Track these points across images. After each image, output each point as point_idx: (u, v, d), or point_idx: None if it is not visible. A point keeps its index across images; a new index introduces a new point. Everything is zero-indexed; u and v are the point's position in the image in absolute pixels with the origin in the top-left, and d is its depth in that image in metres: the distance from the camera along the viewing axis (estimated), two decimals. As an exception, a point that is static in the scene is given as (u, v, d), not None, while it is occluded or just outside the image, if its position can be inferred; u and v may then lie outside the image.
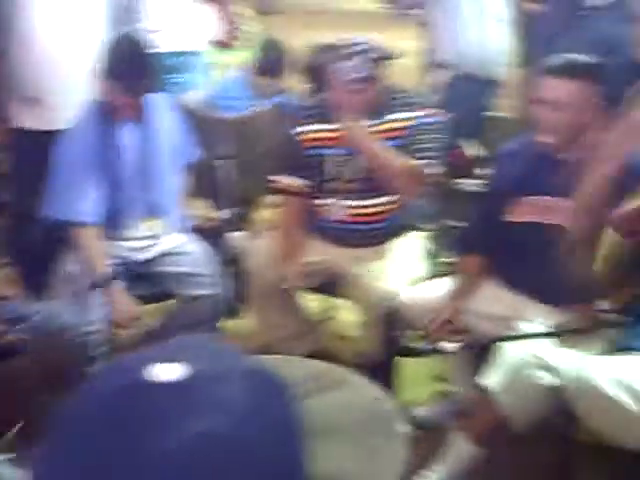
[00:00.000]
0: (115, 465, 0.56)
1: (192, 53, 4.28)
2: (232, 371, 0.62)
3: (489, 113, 4.18)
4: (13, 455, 2.50)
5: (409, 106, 2.73)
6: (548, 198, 2.44)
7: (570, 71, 2.33)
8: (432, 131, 2.74)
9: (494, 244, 2.57)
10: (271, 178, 2.97)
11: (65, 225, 2.77)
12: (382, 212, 2.84)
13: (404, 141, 2.72)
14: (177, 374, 0.59)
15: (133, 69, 2.59)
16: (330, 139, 2.79)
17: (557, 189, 2.40)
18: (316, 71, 3.74)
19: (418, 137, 2.72)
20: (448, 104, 4.12)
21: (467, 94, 4.24)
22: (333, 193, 2.83)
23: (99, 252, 2.68)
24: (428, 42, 4.67)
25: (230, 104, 3.83)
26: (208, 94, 4.10)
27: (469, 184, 3.79)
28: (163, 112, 2.87)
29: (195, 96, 4.13)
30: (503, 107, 4.53)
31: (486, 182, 2.71)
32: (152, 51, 2.73)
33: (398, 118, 2.73)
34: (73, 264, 2.73)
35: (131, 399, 0.58)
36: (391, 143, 2.72)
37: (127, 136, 2.75)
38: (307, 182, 2.88)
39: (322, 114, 2.81)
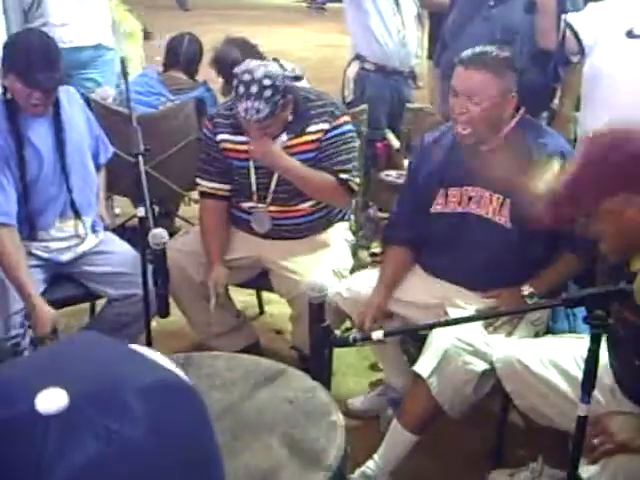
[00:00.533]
0: None
1: (101, 47, 4.21)
2: (119, 390, 0.57)
3: (408, 105, 4.21)
4: None
5: (323, 116, 2.70)
6: (469, 188, 2.47)
7: (483, 62, 2.34)
8: (347, 139, 2.74)
9: (418, 235, 2.59)
10: (196, 181, 2.91)
11: None
12: (307, 211, 2.83)
13: (319, 152, 2.70)
14: (56, 403, 0.54)
15: (34, 62, 2.51)
16: (247, 152, 2.72)
17: (477, 179, 2.44)
18: (226, 66, 3.72)
19: (334, 148, 2.71)
20: (366, 97, 4.18)
21: (384, 86, 4.28)
22: (256, 202, 2.80)
23: (16, 255, 2.58)
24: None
25: (143, 100, 3.76)
26: (120, 90, 4.02)
27: (394, 175, 3.82)
28: (73, 108, 2.80)
29: (106, 92, 4.04)
30: (422, 98, 4.60)
31: (407, 173, 2.73)
32: (56, 45, 2.65)
33: (314, 130, 2.70)
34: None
35: (22, 433, 0.53)
36: (307, 156, 2.70)
37: (37, 132, 2.67)
38: (228, 187, 2.84)
39: (237, 125, 2.71)
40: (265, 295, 3.49)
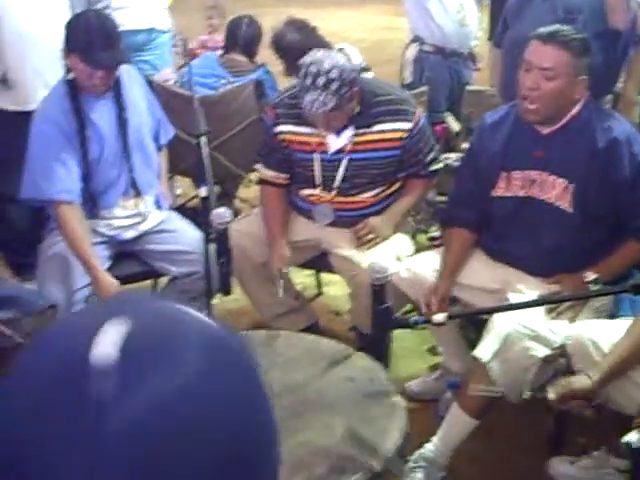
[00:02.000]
0: (61, 442, 0.53)
1: (155, 31, 4.25)
2: (179, 330, 0.57)
3: (468, 87, 4.16)
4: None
5: (400, 115, 2.68)
6: (532, 172, 2.44)
7: (562, 40, 2.31)
8: (425, 130, 2.75)
9: (478, 216, 2.57)
10: (255, 167, 2.93)
11: (45, 205, 2.73)
12: (370, 202, 2.83)
13: (405, 151, 2.71)
14: (119, 337, 0.54)
15: (94, 41, 2.54)
16: (315, 144, 2.72)
17: (540, 163, 2.41)
18: (285, 48, 3.73)
19: (420, 143, 2.72)
20: (425, 79, 4.14)
21: (444, 68, 4.23)
22: (320, 191, 2.80)
23: (81, 231, 2.65)
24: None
25: (203, 82, 3.79)
26: (181, 72, 4.06)
27: (453, 158, 3.78)
28: (134, 88, 2.83)
29: (167, 75, 4.09)
30: (482, 80, 4.54)
31: (466, 154, 2.71)
32: (115, 24, 2.68)
33: (390, 129, 2.68)
34: (57, 242, 2.69)
35: (80, 355, 0.54)
36: (386, 154, 2.70)
37: (99, 112, 2.71)
38: (287, 175, 2.85)
39: (304, 116, 2.67)
40: (323, 276, 3.50)
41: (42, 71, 3.04)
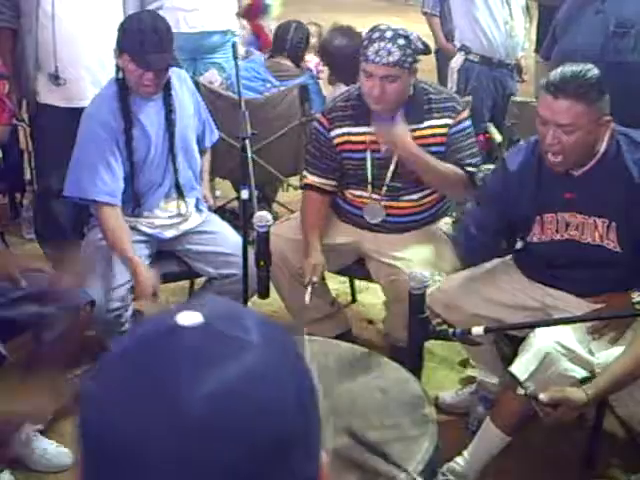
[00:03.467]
0: (150, 400, 0.59)
1: (229, 32, 4.28)
2: (246, 317, 0.66)
3: (513, 98, 4.14)
4: (42, 426, 2.53)
5: (446, 111, 2.68)
6: (566, 214, 2.37)
7: (574, 91, 2.15)
8: (469, 134, 2.72)
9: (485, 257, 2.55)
10: (302, 174, 2.94)
11: (88, 203, 2.77)
12: (415, 208, 2.82)
13: (444, 147, 2.69)
14: (193, 319, 0.63)
15: (146, 43, 2.55)
16: (366, 143, 2.73)
17: (575, 205, 2.34)
18: (331, 54, 3.74)
19: (459, 143, 2.69)
20: (470, 89, 4.13)
21: (489, 79, 4.22)
22: (369, 193, 2.80)
23: (121, 230, 2.67)
24: (445, 27, 4.67)
25: (249, 85, 3.81)
26: (227, 75, 4.09)
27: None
28: (183, 91, 2.84)
29: (213, 76, 4.12)
30: (527, 92, 4.51)
31: (487, 197, 2.61)
32: (168, 26, 2.68)
33: (437, 124, 2.68)
34: (98, 240, 2.73)
35: (164, 340, 0.62)
36: (436, 149, 2.69)
37: (147, 114, 2.73)
38: (334, 182, 2.86)
39: (358, 116, 2.71)
40: (357, 284, 3.50)
41: (93, 69, 3.08)
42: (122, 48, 2.62)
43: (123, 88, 2.68)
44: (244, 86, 3.62)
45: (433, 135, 2.69)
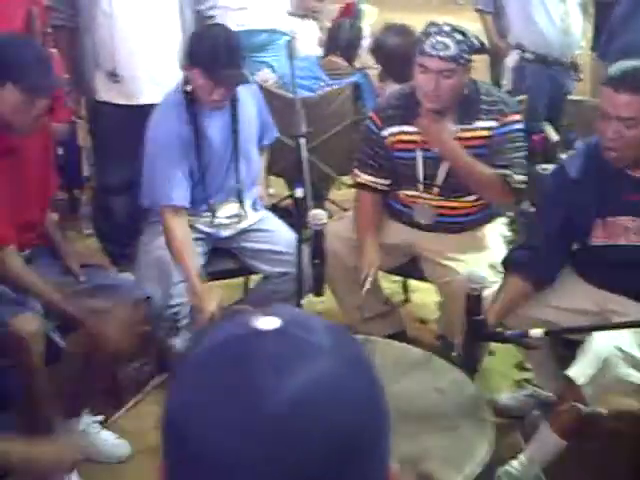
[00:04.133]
0: (231, 400, 0.61)
1: (276, 32, 4.29)
2: (315, 323, 0.67)
3: (569, 97, 4.08)
4: (99, 417, 2.58)
5: (493, 114, 2.64)
6: (625, 218, 2.33)
7: (634, 84, 2.13)
8: (513, 138, 2.66)
9: (554, 273, 2.47)
10: (354, 172, 2.92)
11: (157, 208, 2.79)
12: (469, 209, 2.80)
13: (488, 149, 2.65)
14: (274, 324, 0.65)
15: (219, 58, 2.55)
16: (417, 142, 2.71)
17: (633, 208, 2.30)
18: (384, 53, 3.72)
19: (499, 145, 2.64)
20: (525, 88, 4.07)
21: (545, 77, 4.16)
22: (421, 193, 2.78)
23: (184, 235, 2.70)
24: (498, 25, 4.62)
25: (302, 83, 3.81)
26: (280, 73, 4.10)
27: (549, 170, 3.70)
28: (248, 96, 2.84)
29: (266, 75, 4.14)
30: (583, 91, 4.44)
31: (544, 204, 2.58)
32: (239, 40, 2.68)
33: (483, 127, 2.64)
34: (158, 238, 2.76)
35: (245, 344, 0.64)
36: (478, 151, 2.65)
37: (213, 124, 2.75)
38: (387, 181, 2.84)
39: (409, 115, 2.69)
40: (410, 283, 3.48)
41: (150, 66, 3.11)
42: (193, 61, 2.62)
43: (190, 99, 2.69)
44: (297, 85, 3.65)
45: (478, 137, 2.66)
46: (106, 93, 3.16)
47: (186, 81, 2.69)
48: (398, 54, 3.54)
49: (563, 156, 3.32)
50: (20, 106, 2.21)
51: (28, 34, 2.90)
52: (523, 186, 2.68)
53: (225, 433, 0.60)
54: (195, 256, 2.72)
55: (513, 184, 2.64)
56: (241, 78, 2.65)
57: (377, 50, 3.83)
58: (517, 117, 2.70)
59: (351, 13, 4.65)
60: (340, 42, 4.04)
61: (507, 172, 2.62)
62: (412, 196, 2.82)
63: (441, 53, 2.50)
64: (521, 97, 3.84)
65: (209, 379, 0.63)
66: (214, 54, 2.56)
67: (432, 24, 2.58)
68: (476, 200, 2.78)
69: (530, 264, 2.44)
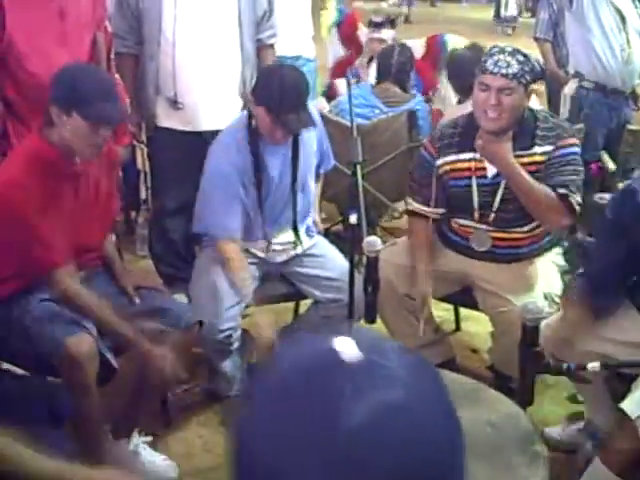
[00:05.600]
0: (310, 431, 0.61)
1: (301, 58, 4.36)
2: (393, 351, 0.68)
3: (628, 126, 4.02)
4: (149, 438, 2.60)
5: (550, 139, 2.63)
6: None
7: None
8: (570, 160, 2.63)
9: (614, 299, 2.42)
10: (407, 200, 2.93)
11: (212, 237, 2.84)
12: (523, 240, 2.77)
13: (542, 173, 2.62)
14: (354, 351, 0.65)
15: (286, 102, 2.56)
16: (471, 169, 2.71)
17: None
18: (457, 68, 3.72)
19: (555, 167, 2.62)
20: (583, 116, 4.03)
21: (604, 106, 4.11)
22: (476, 222, 2.77)
23: (240, 263, 2.74)
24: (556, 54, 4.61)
25: (357, 112, 3.82)
26: (336, 102, 4.12)
27: (607, 199, 3.64)
28: (310, 131, 2.84)
29: (322, 103, 4.17)
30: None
31: (613, 229, 2.54)
32: (307, 82, 2.71)
33: (540, 152, 2.63)
34: (212, 261, 2.79)
35: (323, 371, 0.64)
36: (533, 176, 2.61)
37: (274, 157, 2.78)
38: (441, 210, 2.84)
39: (465, 143, 2.70)
40: (462, 312, 3.45)
41: (210, 96, 3.15)
42: (260, 101, 2.63)
43: (253, 130, 2.72)
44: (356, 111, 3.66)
45: (535, 162, 2.64)
46: (166, 119, 3.22)
47: (250, 115, 2.72)
48: (467, 66, 3.52)
49: (619, 185, 3.27)
50: (85, 134, 2.27)
51: (95, 63, 2.98)
52: (579, 209, 2.65)
53: (301, 465, 0.60)
54: (250, 280, 2.74)
55: (573, 204, 2.61)
56: (305, 123, 2.65)
57: (450, 63, 3.84)
58: (574, 141, 2.68)
59: (436, 46, 4.66)
60: (391, 68, 4.05)
61: (565, 191, 2.59)
62: (467, 226, 2.81)
63: (503, 71, 2.51)
64: (578, 126, 3.81)
65: (286, 410, 0.64)
66: (281, 97, 2.57)
67: (495, 46, 2.61)
68: (530, 231, 2.75)
69: (591, 293, 2.40)
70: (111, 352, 2.34)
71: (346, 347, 0.65)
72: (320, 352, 0.66)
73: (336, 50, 5.09)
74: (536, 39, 4.80)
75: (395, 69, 4.06)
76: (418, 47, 4.70)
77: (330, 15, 5.16)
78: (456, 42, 4.79)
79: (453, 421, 0.66)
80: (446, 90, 4.43)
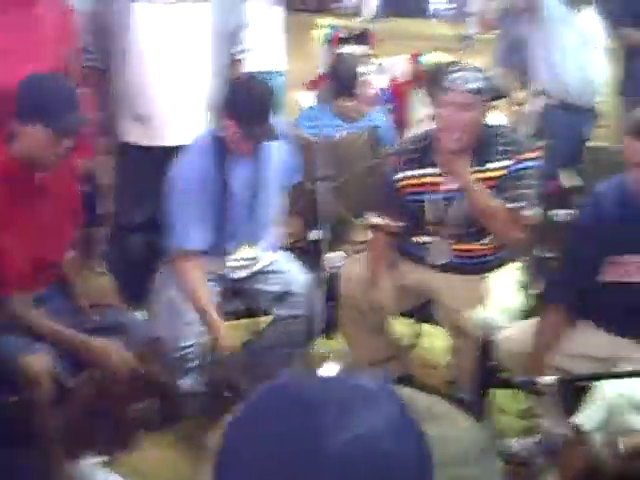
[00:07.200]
0: (290, 463, 0.63)
1: (273, 72, 4.36)
2: (365, 384, 0.71)
3: (589, 143, 4.09)
4: (105, 458, 2.58)
5: (508, 154, 2.69)
6: None
7: None
8: (524, 175, 2.69)
9: (584, 300, 2.48)
10: (366, 215, 2.97)
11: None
12: (483, 251, 2.81)
13: (498, 188, 2.68)
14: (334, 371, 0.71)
15: (253, 114, 2.60)
16: (432, 184, 2.76)
17: None
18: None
19: (514, 182, 2.67)
20: (546, 133, 4.09)
21: (565, 123, 4.18)
22: (433, 236, 2.81)
23: (199, 278, 2.74)
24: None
25: (318, 132, 3.83)
26: (296, 117, 4.14)
27: (564, 214, 3.70)
28: (276, 144, 2.86)
29: (282, 119, 4.17)
30: (604, 136, 4.45)
31: (575, 232, 2.61)
32: (272, 93, 2.73)
33: (497, 167, 2.68)
34: (171, 278, 2.78)
35: (299, 411, 0.66)
36: (490, 191, 2.68)
37: (239, 170, 2.78)
38: (400, 223, 2.87)
39: (424, 158, 2.76)
40: (421, 327, 3.46)
41: (177, 111, 3.13)
42: (229, 113, 2.65)
43: (221, 145, 2.73)
44: (315, 131, 3.67)
45: (492, 178, 2.69)
46: (132, 134, 3.20)
47: (217, 128, 2.73)
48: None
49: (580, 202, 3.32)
50: (47, 144, 2.26)
51: (59, 74, 2.97)
52: (533, 222, 2.69)
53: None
54: (210, 294, 2.74)
55: (525, 218, 2.66)
56: (271, 135, 2.68)
57: (428, 74, 3.90)
58: (531, 155, 2.73)
59: (415, 64, 4.69)
60: (348, 83, 4.03)
61: (518, 205, 2.64)
62: (425, 238, 2.84)
63: (463, 87, 2.56)
64: (541, 142, 3.87)
65: (268, 429, 0.66)
66: (248, 109, 2.60)
67: (456, 63, 2.69)
68: (488, 243, 2.79)
69: (564, 294, 2.49)
70: (66, 372, 2.32)
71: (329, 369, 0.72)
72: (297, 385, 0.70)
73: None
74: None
75: (352, 83, 4.07)
76: (396, 65, 4.75)
77: (321, 32, 5.20)
78: (434, 60, 4.89)
79: (425, 450, 0.72)
80: (418, 107, 4.47)
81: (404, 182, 2.80)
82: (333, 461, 0.62)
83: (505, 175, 2.67)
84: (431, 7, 16.11)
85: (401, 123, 4.41)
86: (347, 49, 4.79)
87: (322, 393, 0.67)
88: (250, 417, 0.68)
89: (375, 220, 2.89)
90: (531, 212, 2.68)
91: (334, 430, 0.63)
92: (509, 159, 2.68)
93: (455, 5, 14.84)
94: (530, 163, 2.70)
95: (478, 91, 2.57)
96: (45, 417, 2.21)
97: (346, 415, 0.65)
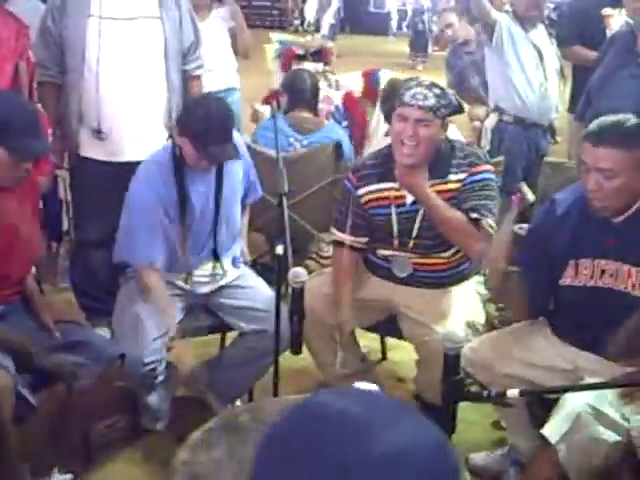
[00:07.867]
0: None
1: (230, 89, 4.45)
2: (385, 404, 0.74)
3: (546, 158, 4.14)
4: (70, 475, 2.53)
5: (464, 166, 2.70)
6: (603, 261, 2.37)
7: (612, 139, 2.23)
8: (483, 186, 2.70)
9: (544, 305, 2.53)
10: (331, 230, 2.96)
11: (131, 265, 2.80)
12: (443, 265, 2.82)
13: (457, 200, 2.69)
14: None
15: (210, 134, 2.56)
16: (395, 198, 2.76)
17: (612, 252, 2.35)
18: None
19: (468, 192, 2.68)
20: (503, 149, 4.15)
21: (521, 139, 4.24)
22: (396, 249, 2.82)
23: (161, 292, 2.71)
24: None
25: (272, 141, 3.83)
26: (253, 132, 4.14)
27: (525, 229, 3.74)
28: (235, 162, 2.83)
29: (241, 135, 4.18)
30: (559, 152, 4.52)
31: (531, 238, 2.65)
32: (232, 114, 2.71)
33: (455, 179, 2.70)
34: (134, 293, 2.75)
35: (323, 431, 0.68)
36: (448, 203, 2.68)
37: (198, 186, 2.76)
38: (364, 239, 2.87)
39: (385, 173, 2.76)
40: (388, 341, 3.48)
41: (134, 126, 3.14)
42: (184, 132, 2.61)
43: (178, 160, 2.69)
44: (269, 143, 3.66)
45: (450, 190, 2.70)
46: (89, 149, 3.19)
47: (175, 144, 2.70)
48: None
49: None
50: (6, 167, 2.23)
51: (16, 90, 2.92)
52: (493, 232, 2.71)
53: None
54: (174, 310, 2.71)
55: (486, 227, 2.67)
56: (230, 154, 2.65)
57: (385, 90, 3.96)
58: (488, 167, 2.74)
59: (370, 81, 4.72)
60: (304, 94, 4.05)
61: (477, 215, 2.65)
62: (388, 252, 2.85)
63: (420, 103, 2.56)
64: (499, 158, 3.92)
65: (306, 446, 0.67)
66: (205, 127, 2.56)
67: (412, 79, 2.69)
68: (451, 256, 2.81)
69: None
70: (29, 389, 2.27)
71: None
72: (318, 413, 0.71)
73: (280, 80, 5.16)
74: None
75: (308, 95, 4.08)
76: (353, 81, 4.77)
77: (272, 48, 5.25)
78: (386, 75, 4.92)
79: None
80: (377, 123, 4.49)
81: (367, 197, 2.81)
82: (375, 473, 0.64)
83: (462, 187, 2.69)
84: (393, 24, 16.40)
85: (356, 138, 4.43)
86: (305, 66, 4.82)
87: (362, 408, 0.69)
88: (285, 435, 0.70)
89: (339, 236, 2.89)
90: (490, 222, 2.69)
91: (372, 444, 0.65)
92: (466, 172, 2.70)
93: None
94: (486, 175, 2.72)
95: (433, 107, 2.57)
96: (8, 435, 2.16)
97: (388, 429, 0.67)
